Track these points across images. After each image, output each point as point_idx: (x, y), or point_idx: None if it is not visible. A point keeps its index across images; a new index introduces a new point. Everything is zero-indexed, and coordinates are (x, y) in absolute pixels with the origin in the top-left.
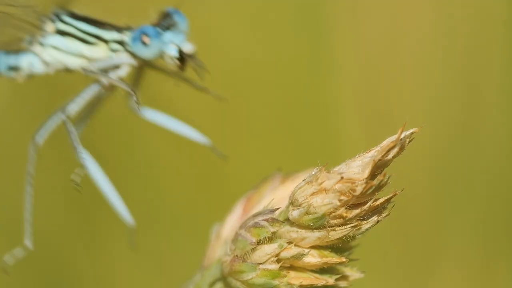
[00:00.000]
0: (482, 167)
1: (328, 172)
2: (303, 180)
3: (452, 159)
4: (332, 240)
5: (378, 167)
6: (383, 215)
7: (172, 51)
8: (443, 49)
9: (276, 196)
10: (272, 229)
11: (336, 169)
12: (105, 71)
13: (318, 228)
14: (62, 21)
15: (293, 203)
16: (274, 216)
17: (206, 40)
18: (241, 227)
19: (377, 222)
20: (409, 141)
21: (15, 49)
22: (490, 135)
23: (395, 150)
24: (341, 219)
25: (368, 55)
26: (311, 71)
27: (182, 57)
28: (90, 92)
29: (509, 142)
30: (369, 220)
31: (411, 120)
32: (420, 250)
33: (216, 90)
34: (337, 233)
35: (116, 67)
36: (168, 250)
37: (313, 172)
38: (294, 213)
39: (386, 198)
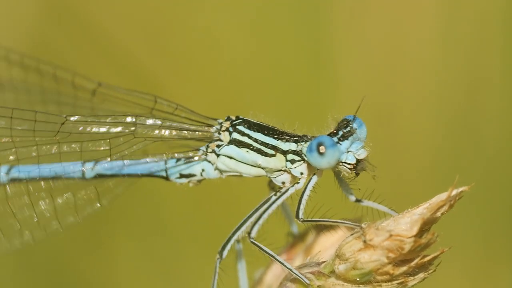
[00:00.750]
0: (483, 166)
1: (377, 228)
2: (351, 235)
3: (453, 158)
4: None
5: (426, 224)
6: (430, 271)
7: (348, 160)
8: (444, 47)
9: (320, 245)
10: (318, 283)
11: (384, 224)
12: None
13: (364, 283)
14: (238, 131)
15: (339, 256)
16: (320, 269)
17: (206, 41)
18: (286, 277)
19: (424, 279)
20: (459, 199)
21: (187, 159)
22: (491, 136)
23: (444, 208)
24: (388, 275)
25: (367, 54)
26: (311, 71)
27: (358, 164)
28: (269, 211)
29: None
30: (416, 276)
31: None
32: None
33: (217, 91)
34: None
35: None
36: (172, 255)
37: (363, 226)
38: (341, 267)
39: (433, 255)
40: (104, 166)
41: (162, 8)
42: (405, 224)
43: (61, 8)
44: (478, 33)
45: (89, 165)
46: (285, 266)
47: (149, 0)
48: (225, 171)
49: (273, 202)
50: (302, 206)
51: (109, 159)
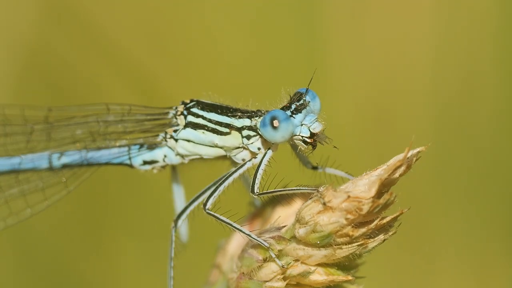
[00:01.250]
0: (481, 164)
1: (335, 190)
2: (309, 198)
3: (452, 157)
4: (338, 258)
5: (385, 186)
6: (390, 233)
7: (302, 133)
8: (438, 47)
9: (281, 213)
10: (278, 247)
11: (342, 187)
12: (242, 159)
13: (324, 246)
14: (192, 114)
15: (299, 221)
16: (281, 234)
17: (206, 40)
18: (247, 244)
19: (384, 240)
20: (416, 160)
21: (149, 145)
22: (488, 136)
23: (402, 168)
24: (348, 237)
25: (362, 56)
26: (308, 71)
27: (312, 137)
28: (226, 184)
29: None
30: (376, 238)
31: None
32: (421, 248)
33: (217, 91)
34: (343, 251)
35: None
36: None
37: (320, 190)
38: (301, 231)
39: (392, 216)
40: (70, 157)
41: (162, 8)
42: (363, 186)
43: (61, 9)
44: (472, 33)
45: (55, 156)
46: (243, 232)
47: (149, 2)
48: (186, 155)
49: (230, 175)
50: (257, 181)
51: (74, 149)
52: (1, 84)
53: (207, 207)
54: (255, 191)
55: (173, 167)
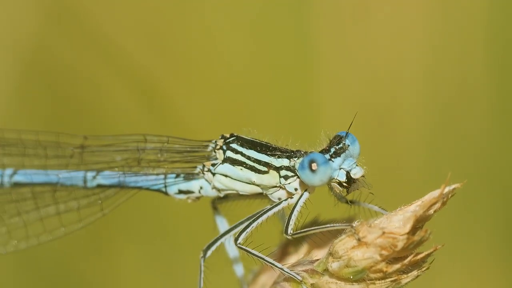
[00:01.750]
0: (484, 165)
1: (369, 226)
2: (343, 233)
3: (457, 159)
4: None
5: (419, 221)
6: (423, 269)
7: (340, 177)
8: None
9: (313, 245)
10: (311, 281)
11: (377, 222)
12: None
13: (357, 281)
14: (231, 149)
15: (333, 254)
16: (314, 267)
17: (206, 42)
18: (279, 276)
19: (417, 276)
20: (451, 196)
21: (186, 176)
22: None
23: (437, 205)
24: (381, 273)
25: (352, 60)
26: (299, 73)
27: (350, 181)
28: (259, 221)
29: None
30: (409, 274)
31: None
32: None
33: (216, 92)
34: (376, 287)
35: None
36: (173, 259)
37: (354, 225)
38: (334, 265)
39: (426, 253)
40: (105, 177)
41: (162, 10)
42: (398, 222)
43: (61, 11)
44: (464, 37)
45: (90, 175)
46: (276, 266)
47: (149, 2)
48: (222, 189)
49: (264, 212)
50: (291, 222)
51: (110, 170)
52: (2, 86)
53: (238, 241)
54: (289, 232)
55: (213, 200)
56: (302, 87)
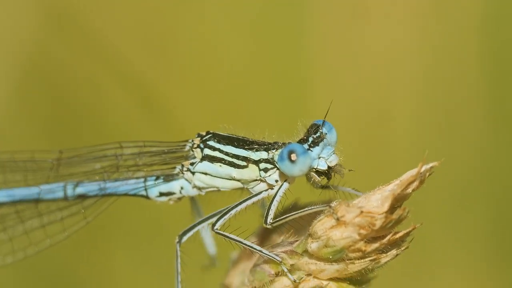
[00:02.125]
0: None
1: (348, 205)
2: (322, 213)
3: (454, 163)
4: (351, 273)
5: (398, 200)
6: (402, 248)
7: (320, 166)
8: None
9: (291, 225)
10: (291, 261)
11: (355, 202)
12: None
13: (337, 260)
14: (209, 147)
15: (312, 235)
16: (293, 248)
17: (206, 46)
18: (259, 258)
19: (396, 255)
20: (429, 175)
21: (166, 177)
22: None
23: (415, 184)
24: (360, 252)
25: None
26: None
27: (329, 169)
28: (238, 209)
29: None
30: (388, 253)
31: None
32: (423, 253)
33: (215, 95)
34: (356, 266)
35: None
36: (168, 262)
37: (332, 205)
38: (313, 246)
39: (405, 231)
40: (85, 188)
41: (162, 14)
42: (376, 201)
43: (61, 16)
44: (454, 36)
45: (70, 186)
46: (254, 249)
47: (149, 7)
48: (203, 188)
49: (243, 202)
50: (271, 212)
51: (89, 180)
52: (2, 87)
53: (215, 227)
54: (268, 222)
55: (191, 198)
56: (298, 87)
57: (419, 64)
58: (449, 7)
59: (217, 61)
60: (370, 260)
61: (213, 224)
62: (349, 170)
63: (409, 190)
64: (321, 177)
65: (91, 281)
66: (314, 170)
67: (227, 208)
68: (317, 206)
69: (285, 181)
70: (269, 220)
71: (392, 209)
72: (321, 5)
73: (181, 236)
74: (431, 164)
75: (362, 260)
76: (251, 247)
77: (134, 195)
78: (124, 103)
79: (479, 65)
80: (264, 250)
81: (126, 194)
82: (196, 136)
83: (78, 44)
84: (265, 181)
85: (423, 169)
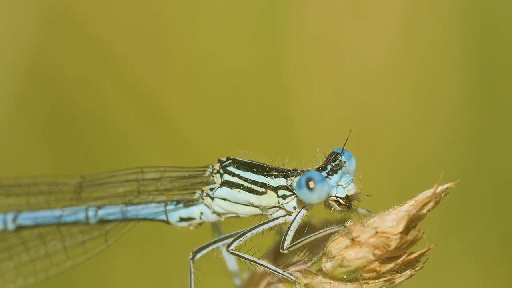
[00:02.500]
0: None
1: (363, 225)
2: (337, 233)
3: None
4: None
5: (412, 221)
6: (417, 268)
7: (338, 194)
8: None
9: (306, 245)
10: (305, 281)
11: (370, 222)
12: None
13: (351, 280)
14: (228, 172)
15: (326, 254)
16: (307, 268)
17: (206, 51)
18: (273, 276)
19: (411, 276)
20: (444, 195)
21: (186, 202)
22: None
23: (430, 204)
24: (375, 272)
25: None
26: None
27: (348, 198)
28: (254, 232)
29: None
30: (403, 274)
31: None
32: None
33: (214, 97)
34: (370, 286)
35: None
36: (168, 263)
37: (347, 225)
38: (328, 265)
39: (420, 252)
40: (107, 212)
41: (162, 19)
42: (391, 221)
43: (60, 20)
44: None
45: (92, 211)
46: (269, 268)
47: (149, 11)
48: (222, 213)
49: (260, 225)
50: (288, 238)
51: (111, 204)
52: (2, 91)
53: (231, 248)
54: (285, 247)
55: (213, 224)
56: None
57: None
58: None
59: (216, 61)
60: (385, 281)
61: (229, 245)
62: (367, 196)
63: (424, 210)
64: (341, 207)
65: (92, 283)
66: (332, 198)
67: (244, 230)
68: (332, 227)
69: (303, 208)
70: (286, 245)
71: (407, 229)
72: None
73: (195, 253)
74: (446, 185)
75: (376, 280)
76: (266, 266)
77: (154, 219)
78: (123, 104)
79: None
80: (278, 269)
81: (146, 219)
82: (217, 161)
83: (78, 48)
84: (283, 208)
85: (438, 190)
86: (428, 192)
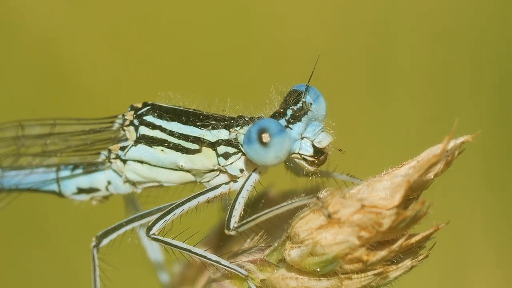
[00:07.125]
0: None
1: (343, 196)
2: (306, 207)
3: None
4: None
5: (414, 190)
6: (420, 257)
7: (304, 150)
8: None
9: (264, 225)
10: (261, 276)
11: (353, 192)
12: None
13: (327, 275)
14: (146, 124)
15: (291, 238)
16: (265, 257)
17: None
18: (215, 271)
19: (411, 268)
20: (458, 154)
21: (86, 167)
22: None
23: (439, 166)
24: (361, 263)
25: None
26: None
27: (318, 153)
28: (185, 208)
29: None
30: (400, 265)
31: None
32: (455, 250)
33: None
34: (353, 283)
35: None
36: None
37: (321, 196)
38: (293, 253)
39: (424, 234)
40: None
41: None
42: (383, 190)
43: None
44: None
45: None
46: (209, 259)
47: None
48: (138, 182)
49: (193, 197)
50: (235, 213)
51: None
52: None
53: (152, 231)
54: (231, 227)
55: (126, 197)
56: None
57: None
58: None
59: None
60: (374, 275)
61: (149, 228)
62: (339, 150)
63: (431, 175)
64: (311, 166)
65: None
66: (296, 156)
67: (170, 205)
68: (300, 199)
69: (253, 170)
70: (233, 224)
71: (406, 202)
72: None
73: (99, 238)
74: (461, 139)
75: (362, 275)
76: (204, 256)
77: (41, 190)
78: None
79: None
80: (222, 261)
81: (30, 189)
82: (129, 109)
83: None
84: (225, 172)
85: (450, 145)
86: (436, 148)
